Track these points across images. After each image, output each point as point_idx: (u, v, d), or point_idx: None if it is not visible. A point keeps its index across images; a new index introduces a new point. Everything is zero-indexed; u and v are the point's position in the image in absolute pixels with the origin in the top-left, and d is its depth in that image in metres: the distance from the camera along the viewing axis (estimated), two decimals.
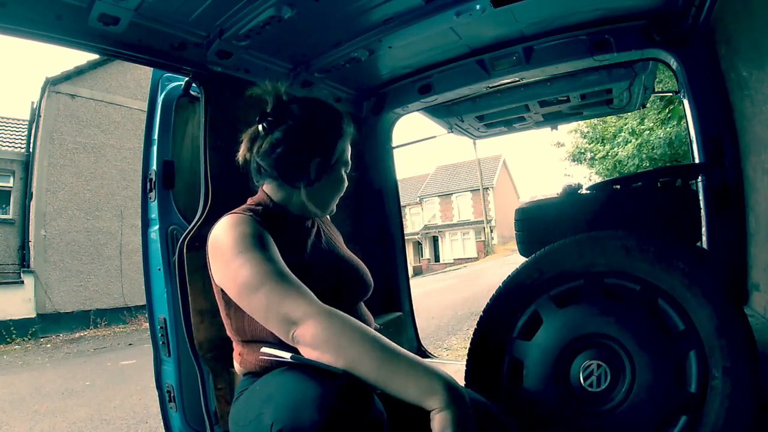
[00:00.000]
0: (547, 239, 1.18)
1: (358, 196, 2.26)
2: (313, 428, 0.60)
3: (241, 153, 0.99)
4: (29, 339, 8.40)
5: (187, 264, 1.39)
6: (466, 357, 1.22)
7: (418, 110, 2.39)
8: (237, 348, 0.94)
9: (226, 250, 0.82)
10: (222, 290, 0.88)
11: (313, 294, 0.76)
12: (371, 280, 1.02)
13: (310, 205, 0.98)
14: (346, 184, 1.03)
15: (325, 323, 0.70)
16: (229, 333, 0.94)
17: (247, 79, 1.66)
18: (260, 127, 0.96)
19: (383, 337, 0.71)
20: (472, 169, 26.98)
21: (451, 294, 9.21)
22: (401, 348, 0.69)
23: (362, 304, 1.02)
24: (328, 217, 1.15)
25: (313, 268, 0.91)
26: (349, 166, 1.03)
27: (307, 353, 0.70)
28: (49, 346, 7.81)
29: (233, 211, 0.93)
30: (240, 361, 0.92)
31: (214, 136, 1.50)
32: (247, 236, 0.83)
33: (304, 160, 0.95)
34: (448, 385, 0.66)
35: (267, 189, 0.99)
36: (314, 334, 0.70)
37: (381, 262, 2.35)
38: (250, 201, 1.00)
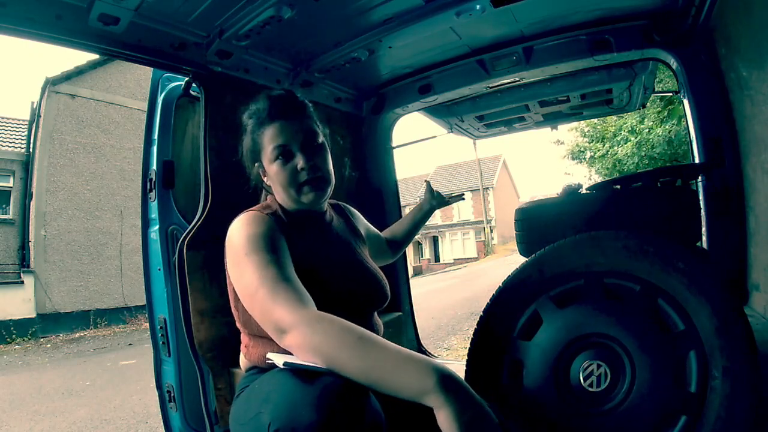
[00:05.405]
0: (547, 239, 1.18)
1: (358, 196, 2.26)
2: (311, 428, 0.60)
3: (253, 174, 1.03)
4: (29, 339, 8.40)
5: (187, 264, 1.39)
6: (466, 357, 1.22)
7: (418, 110, 2.39)
8: (244, 340, 0.95)
9: (237, 249, 0.84)
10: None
11: (306, 298, 0.75)
12: (389, 291, 1.02)
13: (287, 199, 0.97)
14: (286, 169, 0.93)
15: (310, 331, 0.69)
16: (237, 325, 0.95)
17: (247, 79, 1.66)
18: None
19: (374, 336, 0.68)
20: (472, 169, 26.98)
21: (451, 294, 9.21)
22: (394, 346, 0.66)
23: (375, 312, 1.02)
24: (356, 225, 1.15)
25: (329, 270, 0.92)
26: (280, 149, 0.93)
27: (302, 358, 0.71)
28: (49, 346, 7.81)
29: (251, 208, 0.95)
30: (246, 353, 0.94)
31: (214, 136, 1.50)
32: (257, 237, 0.83)
33: (247, 167, 1.02)
34: (442, 377, 0.61)
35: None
36: (300, 344, 0.69)
37: None
38: (269, 199, 1.02)
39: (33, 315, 8.82)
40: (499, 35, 1.83)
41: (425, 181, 1.56)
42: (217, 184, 1.47)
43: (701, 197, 1.75)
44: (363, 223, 1.22)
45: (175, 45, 1.41)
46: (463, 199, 1.64)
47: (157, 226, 1.55)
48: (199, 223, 1.42)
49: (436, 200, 1.46)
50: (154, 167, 1.56)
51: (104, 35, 1.25)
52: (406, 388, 0.62)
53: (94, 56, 9.09)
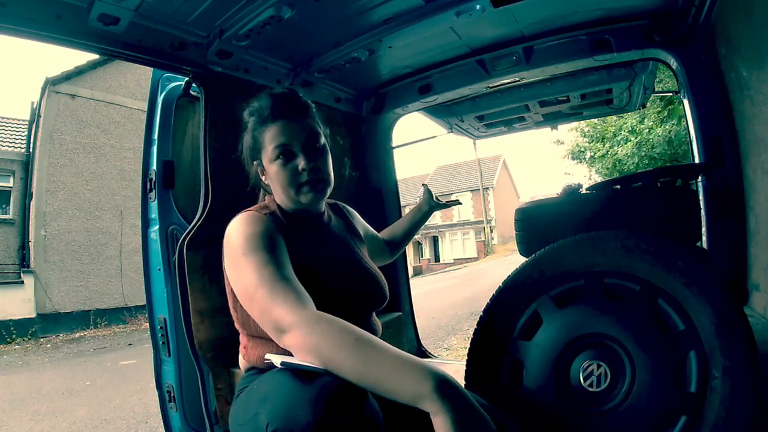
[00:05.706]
0: (547, 239, 1.18)
1: (358, 196, 2.26)
2: (308, 428, 0.60)
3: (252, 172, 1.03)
4: (29, 339, 8.40)
5: (187, 264, 1.39)
6: (466, 357, 1.22)
7: (418, 110, 2.39)
8: (243, 341, 0.95)
9: (235, 249, 0.83)
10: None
11: (306, 298, 0.75)
12: (388, 291, 1.01)
13: (285, 199, 0.96)
14: (287, 170, 0.92)
15: (308, 331, 0.69)
16: (236, 325, 0.95)
17: (247, 79, 1.66)
18: None
19: (372, 339, 0.67)
20: (472, 169, 26.98)
21: (451, 294, 9.20)
22: (392, 348, 0.66)
23: (373, 312, 1.02)
24: (354, 225, 1.15)
25: (327, 270, 0.92)
26: (282, 149, 0.92)
27: (300, 358, 0.71)
28: (49, 346, 7.81)
29: (249, 208, 0.94)
30: (244, 354, 0.94)
31: (214, 136, 1.50)
32: (255, 236, 0.83)
33: (246, 164, 1.02)
34: (439, 382, 0.60)
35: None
36: (299, 343, 0.69)
37: None
38: (267, 199, 1.02)
39: (33, 315, 8.82)
40: (499, 35, 1.83)
41: (423, 184, 1.57)
42: (217, 184, 1.47)
43: (701, 197, 1.75)
44: (361, 224, 1.22)
45: (175, 45, 1.41)
46: (460, 203, 1.65)
47: (157, 226, 1.55)
48: (199, 223, 1.42)
49: (435, 202, 1.48)
50: (154, 167, 1.56)
51: (104, 35, 1.25)
52: (403, 392, 0.62)
53: (94, 56, 9.09)
